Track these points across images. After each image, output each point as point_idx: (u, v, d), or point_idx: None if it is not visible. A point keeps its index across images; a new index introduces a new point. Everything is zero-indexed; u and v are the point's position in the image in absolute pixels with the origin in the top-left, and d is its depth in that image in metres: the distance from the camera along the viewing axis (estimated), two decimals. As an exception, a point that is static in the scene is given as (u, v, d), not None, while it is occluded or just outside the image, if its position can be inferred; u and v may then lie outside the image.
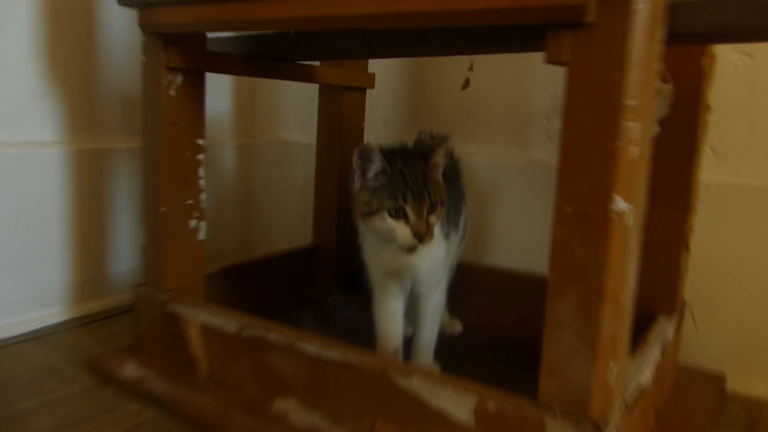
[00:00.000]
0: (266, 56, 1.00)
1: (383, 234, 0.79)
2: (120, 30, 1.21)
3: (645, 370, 0.73)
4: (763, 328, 0.98)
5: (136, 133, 1.02)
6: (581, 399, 0.57)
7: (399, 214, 0.77)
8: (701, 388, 0.97)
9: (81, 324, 1.14)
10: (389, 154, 0.80)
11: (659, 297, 0.92)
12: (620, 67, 0.50)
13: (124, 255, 1.25)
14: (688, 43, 0.82)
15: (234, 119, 1.52)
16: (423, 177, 0.78)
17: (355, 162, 0.79)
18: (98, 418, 0.83)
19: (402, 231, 0.77)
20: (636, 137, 0.52)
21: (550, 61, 0.54)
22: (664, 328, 0.86)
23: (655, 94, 0.57)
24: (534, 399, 0.60)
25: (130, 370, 0.92)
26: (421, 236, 0.77)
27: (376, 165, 0.78)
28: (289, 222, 1.52)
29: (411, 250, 0.79)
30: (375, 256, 0.88)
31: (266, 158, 1.55)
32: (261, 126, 1.58)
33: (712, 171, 1.01)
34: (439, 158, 0.82)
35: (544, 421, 0.59)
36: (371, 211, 0.78)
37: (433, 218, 0.79)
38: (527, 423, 0.60)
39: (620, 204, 0.53)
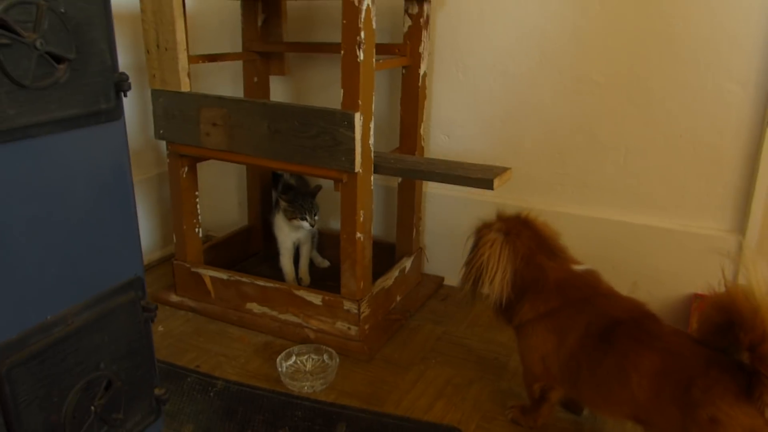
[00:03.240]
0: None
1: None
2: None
3: (388, 281, 1.95)
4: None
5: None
6: (353, 294, 1.77)
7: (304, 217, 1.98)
8: (430, 283, 2.22)
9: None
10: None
11: (405, 246, 2.14)
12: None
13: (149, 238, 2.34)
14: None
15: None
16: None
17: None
18: (166, 320, 1.96)
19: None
20: (362, 213, 1.70)
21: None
22: (403, 263, 2.07)
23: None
24: (339, 294, 1.80)
25: (174, 297, 2.05)
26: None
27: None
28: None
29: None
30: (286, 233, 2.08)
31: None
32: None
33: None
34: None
35: (343, 302, 1.79)
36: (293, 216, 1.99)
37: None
38: (338, 303, 1.80)
39: (358, 235, 1.70)
